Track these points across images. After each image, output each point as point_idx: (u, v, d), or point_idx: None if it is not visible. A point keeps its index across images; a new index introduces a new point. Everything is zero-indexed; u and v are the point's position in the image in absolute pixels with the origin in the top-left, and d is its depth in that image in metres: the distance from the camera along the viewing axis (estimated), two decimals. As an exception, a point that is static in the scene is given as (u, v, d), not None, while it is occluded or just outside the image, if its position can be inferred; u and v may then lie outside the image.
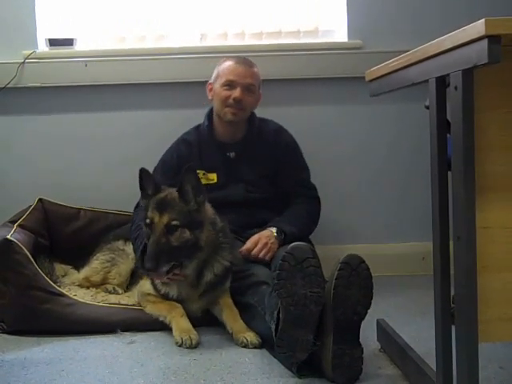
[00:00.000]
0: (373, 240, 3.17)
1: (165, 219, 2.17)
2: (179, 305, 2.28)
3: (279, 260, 1.84)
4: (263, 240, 2.43)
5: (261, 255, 2.40)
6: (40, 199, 2.93)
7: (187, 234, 2.18)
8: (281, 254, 1.86)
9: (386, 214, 3.19)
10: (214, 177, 2.66)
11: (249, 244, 2.45)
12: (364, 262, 1.82)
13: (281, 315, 1.83)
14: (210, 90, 2.74)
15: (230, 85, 2.62)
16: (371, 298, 1.82)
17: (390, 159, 3.18)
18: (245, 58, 2.72)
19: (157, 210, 2.18)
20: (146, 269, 2.15)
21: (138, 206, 2.59)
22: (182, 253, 2.18)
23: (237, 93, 2.61)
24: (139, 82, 3.08)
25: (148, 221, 2.20)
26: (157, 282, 2.33)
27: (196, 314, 2.30)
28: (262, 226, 2.53)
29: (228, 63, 2.68)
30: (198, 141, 2.73)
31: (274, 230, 2.48)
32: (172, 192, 2.24)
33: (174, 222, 2.17)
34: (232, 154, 2.68)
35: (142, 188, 2.29)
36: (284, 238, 2.45)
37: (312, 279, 1.79)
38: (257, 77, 2.70)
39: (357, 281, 1.79)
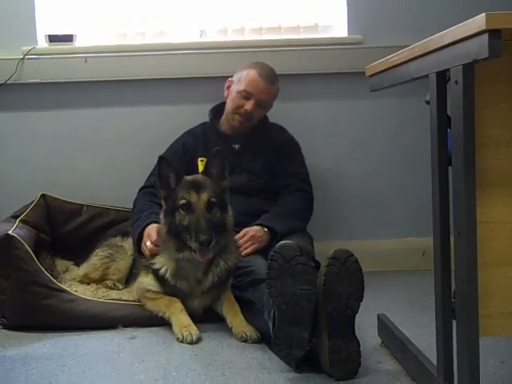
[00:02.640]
0: (373, 235, 3.17)
1: (205, 197, 2.22)
2: (178, 300, 2.28)
3: (268, 260, 1.85)
4: (251, 233, 2.48)
5: (246, 245, 2.45)
6: (43, 195, 2.93)
7: (219, 213, 2.25)
8: (270, 254, 1.87)
9: (387, 209, 3.19)
10: None
11: (237, 235, 2.49)
12: (352, 255, 1.82)
13: (275, 314, 1.83)
14: (228, 87, 2.80)
15: (246, 96, 2.69)
16: (363, 291, 1.81)
17: (391, 154, 3.17)
18: (270, 70, 2.77)
19: (193, 190, 2.22)
20: (200, 242, 2.14)
21: (142, 189, 2.68)
22: (216, 232, 2.21)
23: (249, 105, 2.69)
24: (139, 78, 3.07)
25: (184, 201, 2.21)
26: (164, 272, 2.30)
27: (197, 311, 2.30)
28: (261, 214, 2.59)
29: (253, 73, 2.72)
30: (203, 132, 2.82)
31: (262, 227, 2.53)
32: (199, 175, 2.33)
33: (213, 199, 2.23)
34: (237, 146, 2.77)
35: (161, 178, 2.28)
36: (272, 235, 2.49)
37: (301, 277, 1.79)
38: (274, 94, 2.79)
39: (346, 275, 1.79)
